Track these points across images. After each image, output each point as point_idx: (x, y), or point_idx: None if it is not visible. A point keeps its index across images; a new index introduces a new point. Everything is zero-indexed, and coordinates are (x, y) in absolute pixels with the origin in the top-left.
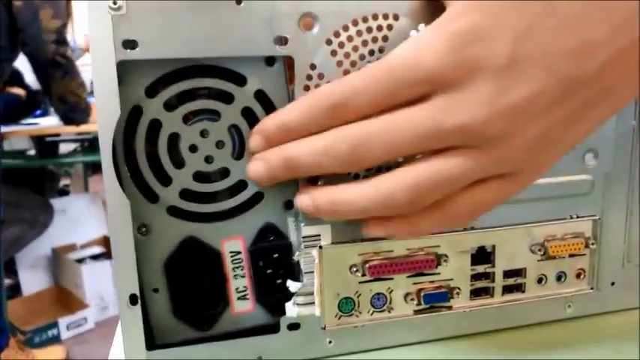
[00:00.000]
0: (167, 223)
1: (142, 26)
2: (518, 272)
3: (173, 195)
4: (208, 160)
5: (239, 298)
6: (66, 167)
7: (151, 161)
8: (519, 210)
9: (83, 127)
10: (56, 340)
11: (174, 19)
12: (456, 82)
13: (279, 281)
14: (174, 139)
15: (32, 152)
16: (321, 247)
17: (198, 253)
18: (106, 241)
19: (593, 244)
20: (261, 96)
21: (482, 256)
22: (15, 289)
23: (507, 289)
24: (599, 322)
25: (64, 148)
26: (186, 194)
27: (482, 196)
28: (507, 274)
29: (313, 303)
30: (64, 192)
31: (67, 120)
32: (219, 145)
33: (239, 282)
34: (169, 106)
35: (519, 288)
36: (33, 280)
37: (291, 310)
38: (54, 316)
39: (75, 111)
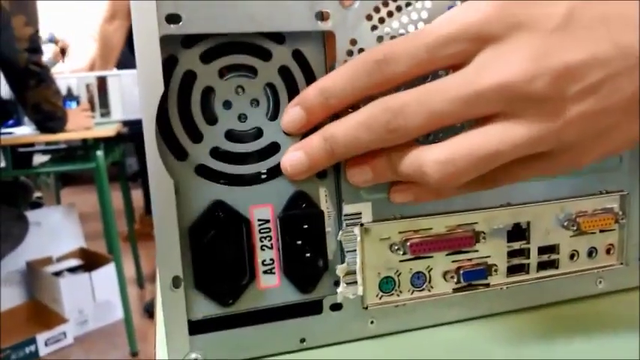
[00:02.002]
0: (195, 184)
1: (185, 1)
2: (552, 248)
3: (203, 153)
4: (241, 118)
5: (265, 272)
6: (40, 178)
7: (182, 116)
8: (551, 186)
9: (57, 136)
10: (34, 356)
11: None
12: (500, 37)
13: (308, 255)
14: (207, 93)
15: (2, 164)
16: (362, 224)
17: (226, 218)
18: (83, 254)
19: (622, 219)
20: (298, 56)
21: (518, 232)
22: None
23: (542, 266)
24: (629, 298)
25: (37, 160)
26: (216, 153)
27: (518, 172)
28: (542, 250)
29: (355, 282)
30: (37, 204)
31: (44, 129)
32: (254, 103)
33: (265, 254)
34: (205, 59)
35: (553, 264)
36: (7, 295)
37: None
38: (31, 332)
39: (51, 119)
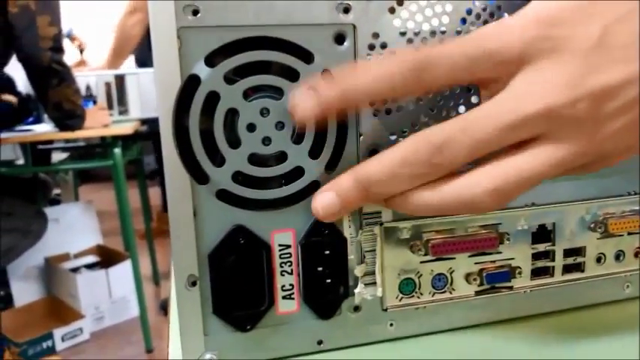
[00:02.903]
0: (215, 209)
1: None
2: (578, 251)
3: (225, 177)
4: (265, 141)
5: (284, 297)
6: (59, 175)
7: (204, 138)
8: (578, 187)
9: (76, 134)
10: (51, 351)
11: None
12: (535, 59)
13: (329, 281)
14: (231, 115)
15: (20, 162)
16: (382, 224)
17: (247, 244)
18: (100, 250)
19: None
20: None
21: (543, 234)
22: (7, 301)
23: (567, 269)
24: None
25: (55, 157)
26: (238, 177)
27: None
28: (567, 252)
29: (374, 283)
30: (55, 201)
31: (63, 127)
32: (279, 126)
33: (286, 279)
34: (230, 79)
35: (579, 267)
36: (25, 290)
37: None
38: (48, 327)
39: (71, 117)
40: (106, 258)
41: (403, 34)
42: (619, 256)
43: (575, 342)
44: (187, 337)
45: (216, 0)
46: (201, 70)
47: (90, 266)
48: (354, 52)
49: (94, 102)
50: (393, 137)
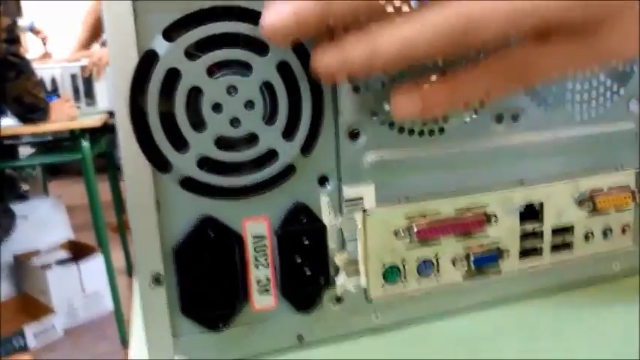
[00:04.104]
0: (180, 199)
1: None
2: (567, 229)
3: (189, 163)
4: (234, 123)
5: (260, 292)
6: (25, 171)
7: (164, 121)
8: (565, 162)
9: (42, 128)
10: (23, 349)
11: None
12: None
13: (308, 271)
14: (194, 94)
15: None
16: (364, 210)
17: (217, 236)
18: (71, 246)
19: (638, 196)
20: (299, 49)
21: (531, 213)
22: None
23: (556, 248)
24: None
25: (22, 152)
26: (204, 163)
27: (551, 61)
28: (556, 232)
29: (357, 273)
30: (22, 197)
31: (25, 120)
32: (248, 105)
33: (261, 272)
34: (191, 54)
35: (568, 246)
36: None
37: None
38: (20, 325)
39: (33, 111)
40: (78, 253)
41: None
42: (606, 233)
43: (565, 322)
44: (154, 339)
45: None
46: (160, 44)
47: (61, 262)
48: None
49: (58, 96)
50: (375, 117)
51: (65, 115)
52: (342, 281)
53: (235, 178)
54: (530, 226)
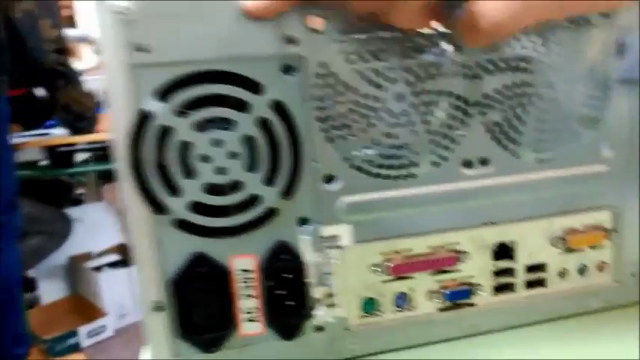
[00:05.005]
0: (175, 237)
1: (151, 29)
2: (540, 267)
3: (182, 207)
4: (220, 171)
5: (249, 320)
6: (79, 176)
7: (160, 170)
8: (538, 203)
9: (95, 137)
10: (76, 348)
11: (182, 22)
12: None
13: (290, 303)
14: (185, 147)
15: (44, 162)
16: (341, 247)
17: (207, 270)
18: (122, 249)
19: (613, 235)
20: (277, 106)
21: (504, 251)
22: (33, 299)
23: (530, 285)
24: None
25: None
26: (195, 207)
27: None
28: (529, 268)
29: (335, 305)
30: (78, 201)
31: (73, 129)
32: (232, 155)
33: (249, 302)
34: (181, 112)
35: (542, 283)
36: (51, 289)
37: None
38: (73, 324)
39: (80, 120)
40: (128, 256)
41: (352, 62)
42: (582, 270)
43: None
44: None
45: (163, 37)
46: (153, 104)
47: (112, 264)
48: (303, 80)
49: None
50: (347, 164)
51: None
52: (322, 312)
53: (223, 219)
54: (503, 264)
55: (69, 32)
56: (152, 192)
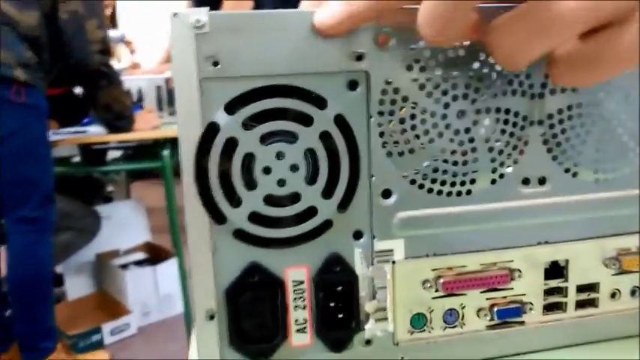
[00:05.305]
0: (232, 247)
1: (223, 44)
2: (592, 287)
3: (242, 217)
4: (280, 183)
5: (298, 331)
6: (111, 174)
7: (222, 180)
8: (593, 223)
9: (126, 136)
10: (100, 345)
11: (254, 37)
12: None
13: (340, 316)
14: (248, 159)
15: (77, 159)
16: (394, 262)
17: (262, 280)
18: (148, 248)
19: None
20: (340, 121)
21: (556, 270)
22: (60, 294)
23: (580, 305)
24: None
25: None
26: (255, 217)
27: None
28: (580, 288)
29: (386, 319)
30: (107, 199)
31: (112, 128)
32: (294, 168)
33: (299, 313)
34: (247, 125)
35: (592, 303)
36: (78, 285)
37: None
38: (97, 321)
39: (120, 118)
40: (154, 255)
41: (415, 80)
42: (635, 291)
43: None
44: None
45: (235, 51)
46: (221, 117)
47: (138, 263)
48: (367, 97)
49: (141, 107)
50: (404, 179)
51: (148, 125)
52: (371, 326)
53: (280, 230)
54: (554, 282)
55: (110, 33)
56: (214, 202)
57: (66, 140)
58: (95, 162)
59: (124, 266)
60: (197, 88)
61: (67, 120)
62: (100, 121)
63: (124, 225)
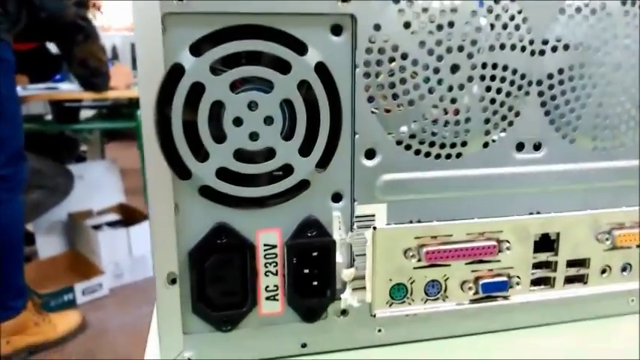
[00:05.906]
0: (197, 205)
1: None
2: (582, 262)
3: (209, 173)
4: (253, 137)
5: (268, 298)
6: (84, 133)
7: (187, 131)
8: (588, 195)
9: (97, 95)
10: (71, 304)
11: None
12: None
13: (314, 283)
14: (216, 108)
15: (49, 117)
16: (375, 227)
17: (230, 242)
18: (122, 209)
19: None
20: (321, 69)
21: (546, 243)
22: (30, 253)
23: (569, 280)
24: None
25: (83, 114)
26: (223, 173)
27: None
28: (570, 263)
29: (363, 288)
30: (80, 158)
31: (88, 85)
32: (268, 121)
33: (270, 280)
34: (216, 69)
35: (582, 279)
36: (49, 244)
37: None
38: (69, 281)
39: (96, 75)
40: (128, 216)
41: (408, 25)
42: (625, 268)
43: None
44: (166, 335)
45: None
46: (186, 59)
47: (111, 224)
48: (352, 44)
49: (112, 63)
50: (391, 136)
51: (122, 82)
52: (347, 295)
53: (251, 189)
54: (544, 256)
55: None
56: (178, 154)
57: (36, 96)
58: (67, 120)
59: (97, 227)
60: (159, 25)
61: (37, 76)
62: (74, 78)
63: (97, 185)
